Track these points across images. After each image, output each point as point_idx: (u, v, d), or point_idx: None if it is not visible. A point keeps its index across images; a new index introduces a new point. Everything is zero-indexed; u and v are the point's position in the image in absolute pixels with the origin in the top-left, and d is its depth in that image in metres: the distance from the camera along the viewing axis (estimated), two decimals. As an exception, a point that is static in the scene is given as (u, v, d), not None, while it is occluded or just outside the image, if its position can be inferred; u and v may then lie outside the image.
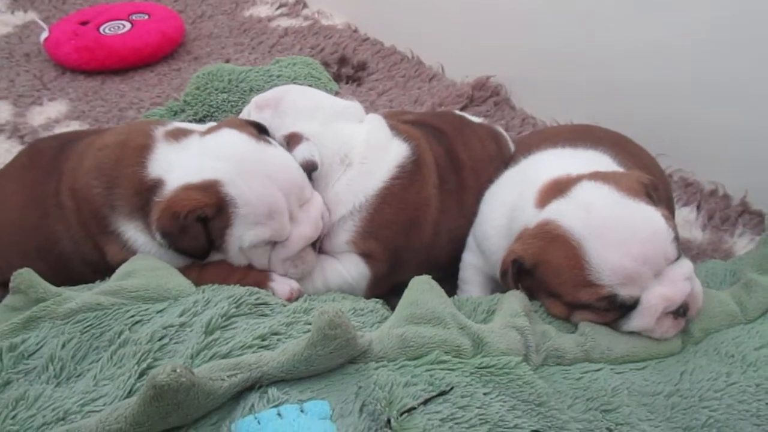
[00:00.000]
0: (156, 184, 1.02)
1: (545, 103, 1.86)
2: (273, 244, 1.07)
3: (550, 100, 1.84)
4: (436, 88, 2.01)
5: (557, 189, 0.98)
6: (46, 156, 1.14)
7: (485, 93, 1.92)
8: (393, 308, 1.01)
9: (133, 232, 1.05)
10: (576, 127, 1.39)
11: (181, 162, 1.03)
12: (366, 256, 1.17)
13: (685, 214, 1.52)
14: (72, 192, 1.07)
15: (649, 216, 0.92)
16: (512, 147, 1.43)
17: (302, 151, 1.12)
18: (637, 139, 1.64)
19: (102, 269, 1.04)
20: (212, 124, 1.15)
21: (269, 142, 1.11)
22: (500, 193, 1.11)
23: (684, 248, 1.43)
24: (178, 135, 1.08)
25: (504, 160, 1.37)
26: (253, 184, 1.02)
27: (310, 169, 1.12)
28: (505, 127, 1.84)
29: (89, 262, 1.07)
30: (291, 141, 1.13)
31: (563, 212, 0.94)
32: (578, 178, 0.98)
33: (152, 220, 1.01)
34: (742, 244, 1.43)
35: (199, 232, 1.00)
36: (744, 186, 1.52)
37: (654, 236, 0.91)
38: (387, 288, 1.22)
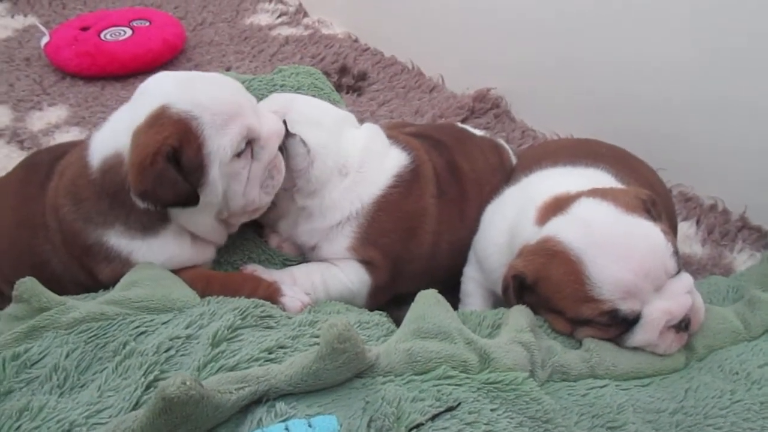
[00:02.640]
0: (105, 168, 0.98)
1: (546, 116, 1.87)
2: (251, 151, 1.02)
3: (551, 113, 1.86)
4: (437, 99, 2.02)
5: (557, 206, 0.99)
6: (40, 172, 1.11)
7: (486, 105, 1.93)
8: (396, 321, 1.01)
9: (115, 239, 1.01)
10: (577, 143, 1.40)
11: (116, 127, 1.00)
12: (366, 263, 1.17)
13: (684, 228, 1.53)
14: (53, 211, 1.05)
15: (648, 231, 0.93)
16: (514, 160, 1.44)
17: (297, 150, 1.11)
18: (636, 153, 1.64)
19: (94, 290, 1.02)
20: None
21: None
22: (500, 211, 1.12)
23: (684, 263, 1.43)
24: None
25: (506, 173, 1.37)
26: (198, 89, 0.98)
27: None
28: (505, 139, 1.84)
29: (80, 283, 1.05)
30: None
31: (563, 229, 0.95)
32: (577, 195, 0.99)
33: (129, 189, 0.96)
34: (742, 259, 1.44)
35: (174, 174, 0.94)
36: (743, 201, 1.54)
37: (653, 250, 0.91)
38: (388, 298, 1.23)
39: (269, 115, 1.07)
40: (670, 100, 1.57)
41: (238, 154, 1.00)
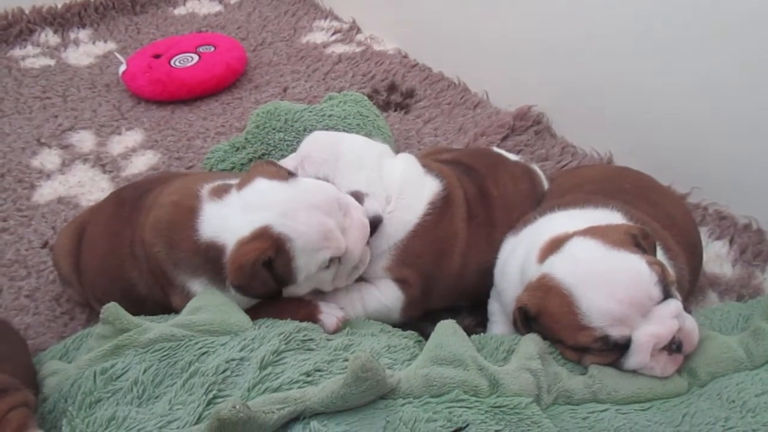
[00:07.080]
0: (211, 245, 1.13)
1: (585, 133, 1.93)
2: (338, 261, 1.17)
3: (590, 130, 1.91)
4: (480, 116, 2.10)
5: (554, 246, 1.09)
6: (126, 206, 1.28)
7: (526, 123, 2.00)
8: (427, 335, 1.13)
9: (198, 286, 1.16)
10: (603, 175, 1.46)
11: (229, 221, 1.13)
12: (400, 281, 1.30)
13: (717, 248, 1.56)
14: (142, 244, 1.20)
15: (632, 263, 1.02)
16: (546, 184, 1.52)
17: (370, 206, 1.24)
18: (672, 171, 1.69)
19: (170, 311, 1.18)
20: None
21: (296, 178, 1.21)
22: (515, 249, 1.22)
23: (712, 283, 1.48)
24: (219, 192, 1.18)
25: (537, 197, 1.46)
26: (298, 217, 1.12)
27: (377, 222, 1.24)
28: (545, 155, 1.92)
29: (160, 303, 1.21)
30: (356, 198, 1.26)
31: (556, 266, 1.06)
32: (571, 235, 1.09)
33: (226, 278, 1.12)
34: (772, 280, 1.47)
35: (267, 276, 1.10)
36: (778, 221, 1.56)
37: (636, 280, 1.00)
38: (421, 311, 1.35)
39: (355, 225, 1.20)
40: (707, 119, 1.59)
41: (326, 266, 1.16)
